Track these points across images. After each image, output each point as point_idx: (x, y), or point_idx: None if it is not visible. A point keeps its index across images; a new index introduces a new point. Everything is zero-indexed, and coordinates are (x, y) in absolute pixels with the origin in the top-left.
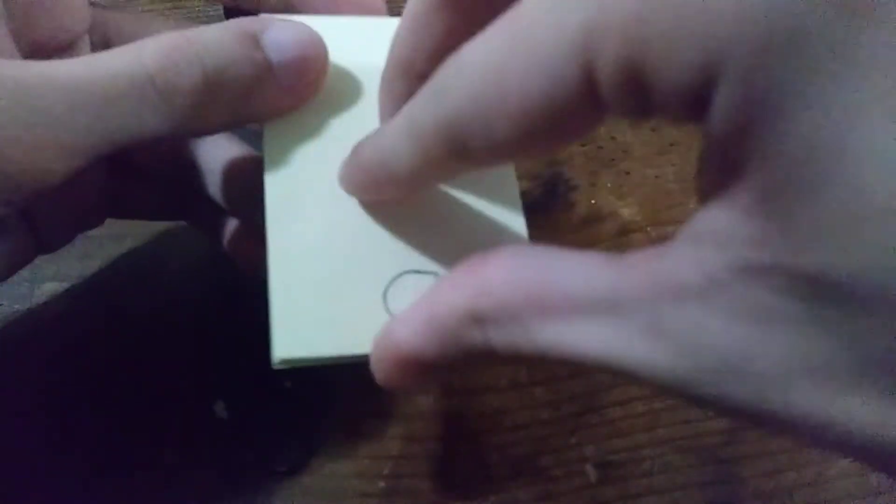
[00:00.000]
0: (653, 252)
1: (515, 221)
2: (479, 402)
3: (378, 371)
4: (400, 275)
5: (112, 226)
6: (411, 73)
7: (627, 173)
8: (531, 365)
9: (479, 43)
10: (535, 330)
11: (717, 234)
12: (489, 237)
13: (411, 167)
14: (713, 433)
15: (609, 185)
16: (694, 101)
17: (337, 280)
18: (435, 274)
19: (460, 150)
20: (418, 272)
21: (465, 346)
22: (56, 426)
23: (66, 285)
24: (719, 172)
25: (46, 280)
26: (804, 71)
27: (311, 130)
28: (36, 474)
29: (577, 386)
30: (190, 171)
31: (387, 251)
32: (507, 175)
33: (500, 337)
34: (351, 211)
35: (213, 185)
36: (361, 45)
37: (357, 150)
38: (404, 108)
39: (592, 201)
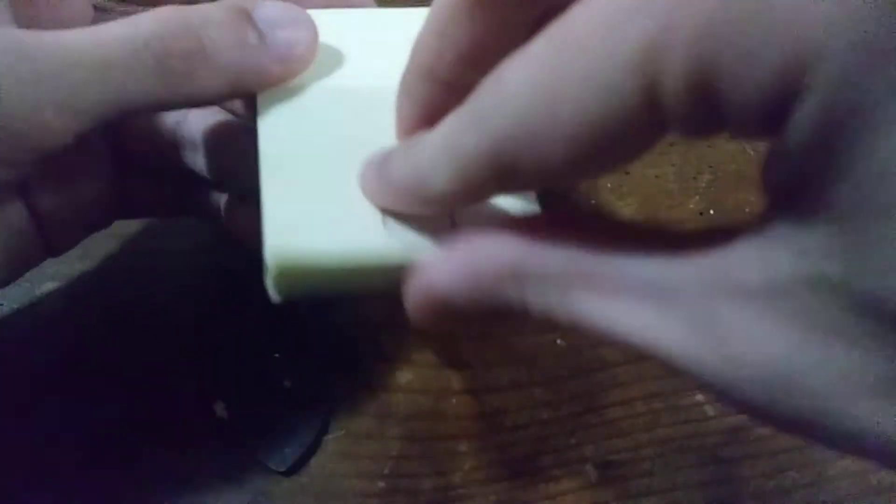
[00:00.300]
0: (714, 246)
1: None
2: (479, 402)
3: (408, 304)
4: None
5: (111, 225)
6: (435, 77)
7: (627, 173)
8: (559, 328)
9: (522, 58)
10: (575, 300)
11: (786, 241)
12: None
13: (449, 190)
14: (713, 433)
15: (609, 184)
16: (771, 116)
17: (332, 198)
18: None
19: (507, 175)
20: None
21: (498, 300)
22: (55, 425)
23: (65, 285)
24: (794, 183)
25: (46, 280)
26: (889, 86)
27: (303, 96)
28: (34, 473)
29: (577, 386)
30: (179, 147)
31: None
32: None
33: (537, 299)
34: (346, 160)
35: (199, 157)
36: (352, 30)
37: (386, 164)
38: (441, 127)
39: (592, 201)
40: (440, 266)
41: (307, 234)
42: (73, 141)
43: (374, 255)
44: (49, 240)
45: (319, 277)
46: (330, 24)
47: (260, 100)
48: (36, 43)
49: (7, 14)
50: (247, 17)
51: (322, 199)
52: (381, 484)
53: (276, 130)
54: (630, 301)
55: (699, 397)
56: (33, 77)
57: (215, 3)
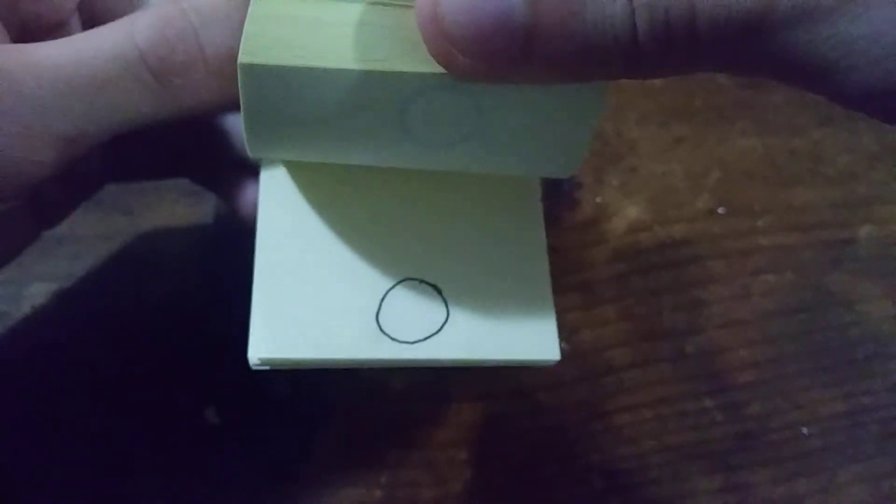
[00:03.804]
0: None
1: (534, 240)
2: (480, 408)
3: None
4: (398, 283)
5: (101, 225)
6: None
7: (634, 170)
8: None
9: None
10: None
11: None
12: (503, 255)
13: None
14: (722, 439)
15: (615, 182)
16: None
17: (326, 283)
18: (434, 286)
19: None
20: (417, 280)
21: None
22: (42, 431)
23: (54, 286)
24: None
25: (34, 280)
26: None
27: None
28: (20, 480)
29: (582, 391)
30: (216, 135)
31: (384, 260)
32: (531, 198)
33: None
34: (349, 217)
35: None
36: None
37: None
38: None
39: (598, 199)
40: None
41: (294, 334)
42: (66, 167)
43: (363, 357)
44: (42, 212)
45: (304, 363)
46: None
47: (263, 177)
48: (17, 63)
49: None
50: None
51: (315, 293)
52: (378, 493)
53: (275, 218)
54: None
55: (708, 402)
56: (18, 109)
57: None
